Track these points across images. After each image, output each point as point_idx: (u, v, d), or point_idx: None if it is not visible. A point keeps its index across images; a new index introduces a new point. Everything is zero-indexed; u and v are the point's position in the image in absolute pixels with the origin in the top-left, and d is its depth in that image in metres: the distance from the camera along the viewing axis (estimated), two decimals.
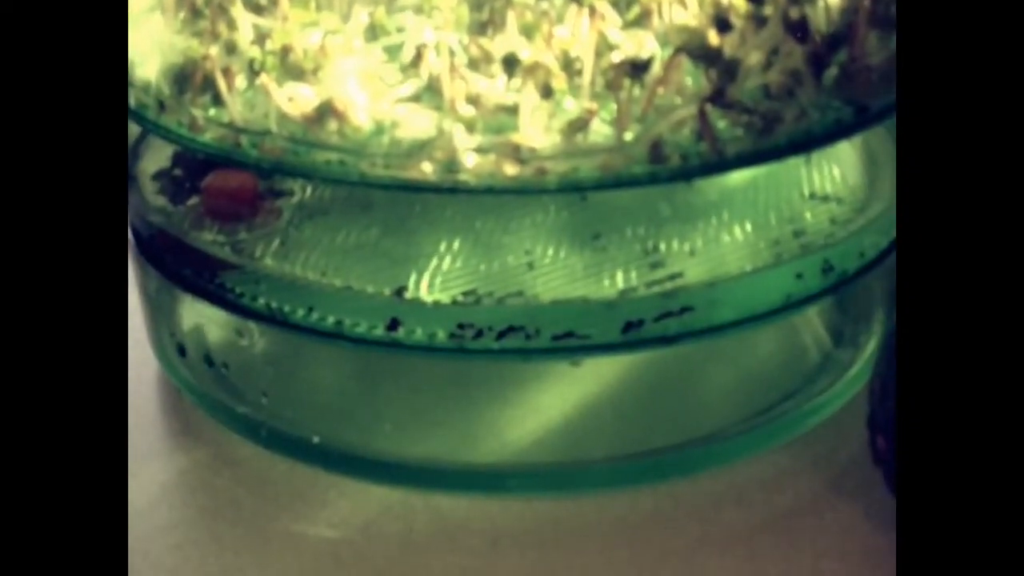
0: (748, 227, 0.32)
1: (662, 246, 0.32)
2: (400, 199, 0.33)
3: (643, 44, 0.29)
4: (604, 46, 0.29)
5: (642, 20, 0.30)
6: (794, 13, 0.28)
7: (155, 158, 0.35)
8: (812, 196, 0.34)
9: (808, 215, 0.33)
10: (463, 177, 0.27)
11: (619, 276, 0.30)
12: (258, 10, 0.30)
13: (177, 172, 0.34)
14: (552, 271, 0.31)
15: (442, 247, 0.32)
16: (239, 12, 0.29)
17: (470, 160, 0.27)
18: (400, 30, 0.30)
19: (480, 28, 0.30)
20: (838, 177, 0.35)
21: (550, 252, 0.32)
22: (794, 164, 0.34)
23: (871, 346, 0.35)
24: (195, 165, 0.34)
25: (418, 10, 0.31)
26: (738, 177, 0.33)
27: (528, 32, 0.29)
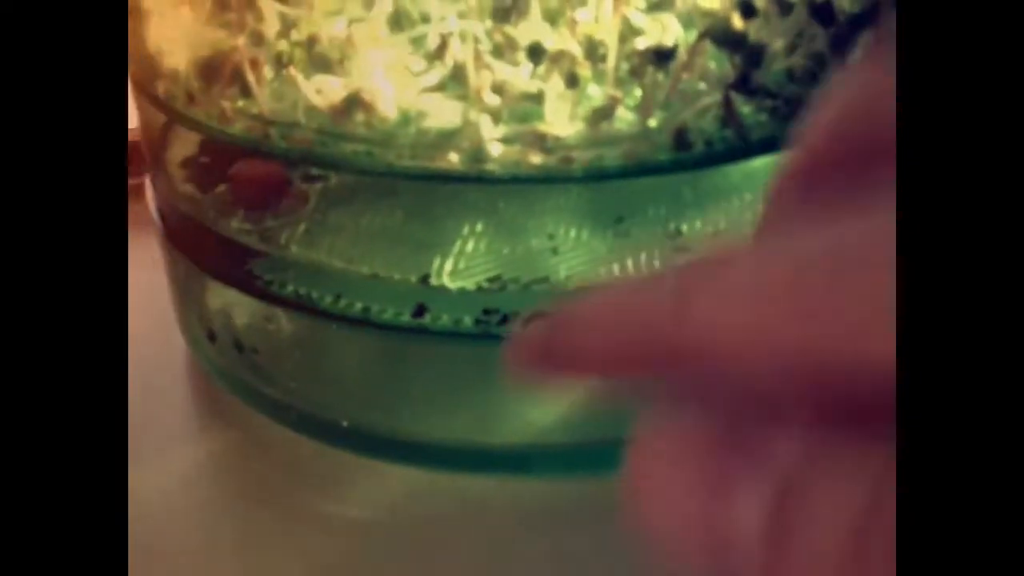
0: None
1: (685, 228, 0.32)
2: (424, 183, 0.33)
3: (667, 28, 0.29)
4: (628, 30, 0.29)
5: (665, 2, 0.30)
6: None
7: (183, 145, 0.35)
8: None
9: None
10: (489, 167, 0.27)
11: (643, 260, 0.30)
12: None
13: (204, 159, 0.34)
14: (576, 256, 0.31)
15: (465, 230, 0.32)
16: (266, 2, 0.29)
17: (496, 150, 0.27)
18: (424, 17, 0.30)
19: (503, 15, 0.30)
20: None
21: (572, 235, 0.32)
22: None
23: None
24: (222, 153, 0.34)
25: None
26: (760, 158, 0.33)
27: (552, 18, 0.29)
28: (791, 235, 0.15)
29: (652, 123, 0.28)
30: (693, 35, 0.28)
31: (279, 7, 0.29)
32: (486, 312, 0.30)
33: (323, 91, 0.28)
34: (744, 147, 0.28)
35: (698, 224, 0.32)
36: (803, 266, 0.15)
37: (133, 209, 0.38)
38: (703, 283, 0.16)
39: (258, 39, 0.29)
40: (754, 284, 0.15)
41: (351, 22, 0.29)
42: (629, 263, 0.31)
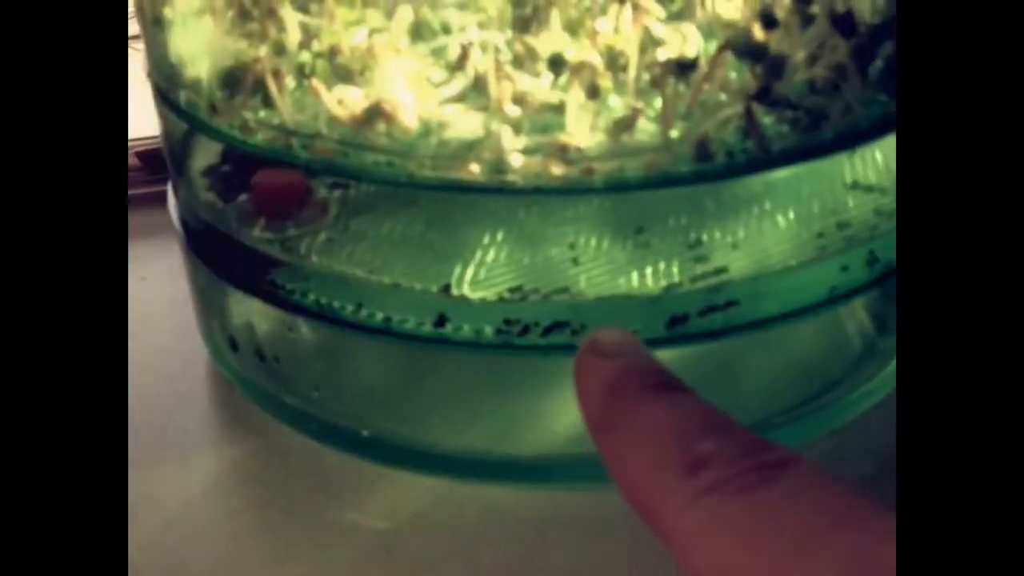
0: (791, 216, 0.32)
1: (705, 238, 0.32)
2: (444, 193, 0.33)
3: (687, 39, 0.29)
4: (649, 41, 0.29)
5: (685, 12, 0.30)
6: (840, 7, 0.28)
7: (205, 154, 0.35)
8: (855, 186, 0.34)
9: (852, 205, 0.33)
10: (511, 178, 0.27)
11: (662, 271, 0.30)
12: (305, 10, 0.30)
13: (226, 168, 0.35)
14: (596, 266, 0.31)
15: (486, 239, 0.32)
16: (287, 13, 0.30)
17: (517, 160, 0.27)
18: (444, 27, 0.30)
19: (523, 25, 0.30)
20: (881, 164, 0.35)
21: (593, 244, 0.32)
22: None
23: None
24: (244, 161, 0.34)
25: (462, 6, 0.31)
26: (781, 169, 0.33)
27: (572, 28, 0.29)
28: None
29: (673, 134, 0.27)
30: (714, 46, 0.28)
31: (301, 18, 0.30)
32: (507, 322, 0.30)
33: (344, 102, 0.28)
34: (765, 158, 0.28)
35: (718, 234, 0.32)
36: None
37: (155, 217, 0.39)
38: (723, 503, 0.18)
39: (280, 50, 0.29)
40: (749, 529, 0.17)
41: (372, 33, 0.30)
42: (649, 274, 0.30)
